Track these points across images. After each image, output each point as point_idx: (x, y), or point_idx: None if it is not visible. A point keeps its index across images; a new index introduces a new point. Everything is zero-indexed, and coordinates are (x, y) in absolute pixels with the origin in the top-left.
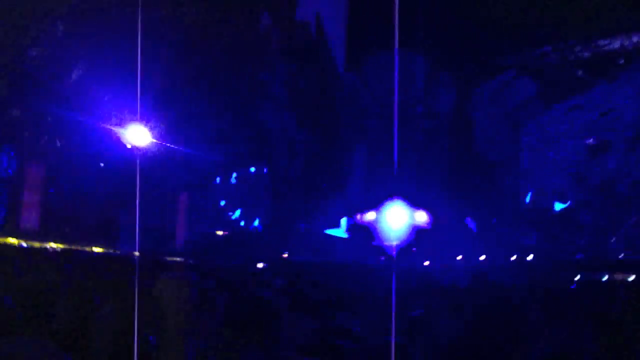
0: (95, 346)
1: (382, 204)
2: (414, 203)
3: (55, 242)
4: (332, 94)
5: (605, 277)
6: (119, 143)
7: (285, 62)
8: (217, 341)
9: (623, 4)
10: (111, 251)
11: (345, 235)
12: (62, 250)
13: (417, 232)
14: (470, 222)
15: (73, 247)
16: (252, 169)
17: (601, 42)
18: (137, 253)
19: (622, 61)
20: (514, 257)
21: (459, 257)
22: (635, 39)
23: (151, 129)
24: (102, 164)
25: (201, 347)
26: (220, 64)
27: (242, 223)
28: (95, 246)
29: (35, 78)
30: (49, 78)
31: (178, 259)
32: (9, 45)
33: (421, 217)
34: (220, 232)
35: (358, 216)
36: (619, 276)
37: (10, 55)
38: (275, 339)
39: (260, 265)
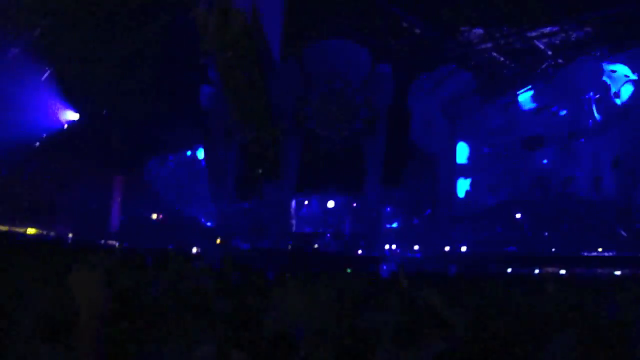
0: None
1: (318, 191)
2: (350, 191)
3: None
4: (269, 81)
5: (537, 271)
6: (54, 125)
7: (220, 49)
8: (143, 325)
9: (559, 5)
10: (44, 233)
11: (279, 220)
12: None
13: (352, 219)
14: (407, 212)
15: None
16: (188, 153)
17: (539, 42)
18: (70, 235)
19: (559, 60)
20: (447, 248)
21: (394, 247)
22: (571, 39)
23: (84, 111)
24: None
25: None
26: (159, 47)
27: (178, 207)
28: (30, 227)
29: None
30: None
31: (112, 242)
32: None
33: (356, 205)
34: (155, 216)
35: (294, 202)
36: (550, 270)
37: None
38: (204, 322)
39: (195, 249)
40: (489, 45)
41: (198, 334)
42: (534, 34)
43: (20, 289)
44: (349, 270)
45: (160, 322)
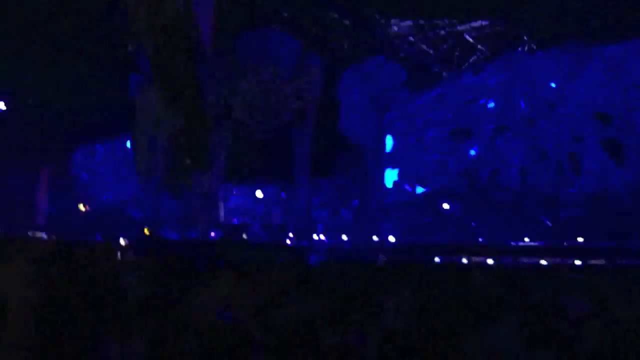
0: None
1: (247, 181)
2: (279, 181)
3: None
4: (198, 70)
5: (464, 260)
6: None
7: (151, 36)
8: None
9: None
10: None
11: (208, 210)
12: None
13: (281, 209)
14: (334, 203)
15: None
16: (116, 143)
17: (468, 34)
18: None
19: (487, 54)
20: (375, 238)
21: (321, 237)
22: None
23: (9, 100)
24: None
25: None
26: (87, 34)
27: (105, 197)
28: None
29: None
30: None
31: (39, 234)
32: None
33: (285, 195)
34: (82, 207)
35: (221, 192)
36: (477, 260)
37: None
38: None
39: (122, 241)
40: (418, 37)
41: (118, 325)
42: (463, 27)
43: None
44: (279, 261)
45: (86, 313)
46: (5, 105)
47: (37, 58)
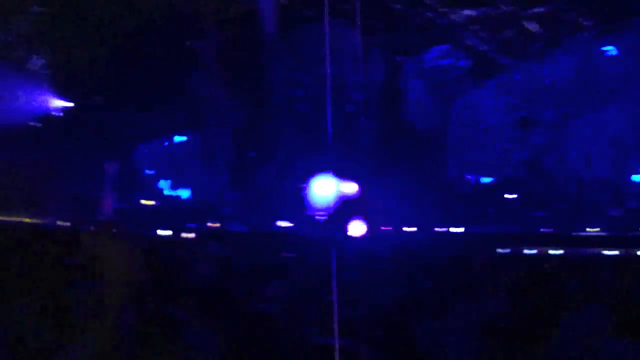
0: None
1: (313, 175)
2: (345, 174)
3: None
4: (264, 64)
5: (531, 251)
6: (44, 112)
7: (218, 31)
8: (147, 309)
9: None
10: (37, 222)
11: (276, 206)
12: None
13: (348, 202)
14: (400, 193)
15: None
16: (183, 138)
17: (531, 21)
18: (62, 222)
19: (551, 40)
20: (439, 229)
21: (389, 228)
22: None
23: (78, 98)
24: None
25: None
26: (152, 30)
27: (172, 192)
28: (23, 217)
29: None
30: None
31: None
32: None
33: (351, 188)
34: (148, 202)
35: (289, 187)
36: (543, 250)
37: None
38: (205, 307)
39: (189, 235)
40: (481, 26)
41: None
42: (526, 13)
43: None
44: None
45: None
46: (71, 103)
47: (101, 57)
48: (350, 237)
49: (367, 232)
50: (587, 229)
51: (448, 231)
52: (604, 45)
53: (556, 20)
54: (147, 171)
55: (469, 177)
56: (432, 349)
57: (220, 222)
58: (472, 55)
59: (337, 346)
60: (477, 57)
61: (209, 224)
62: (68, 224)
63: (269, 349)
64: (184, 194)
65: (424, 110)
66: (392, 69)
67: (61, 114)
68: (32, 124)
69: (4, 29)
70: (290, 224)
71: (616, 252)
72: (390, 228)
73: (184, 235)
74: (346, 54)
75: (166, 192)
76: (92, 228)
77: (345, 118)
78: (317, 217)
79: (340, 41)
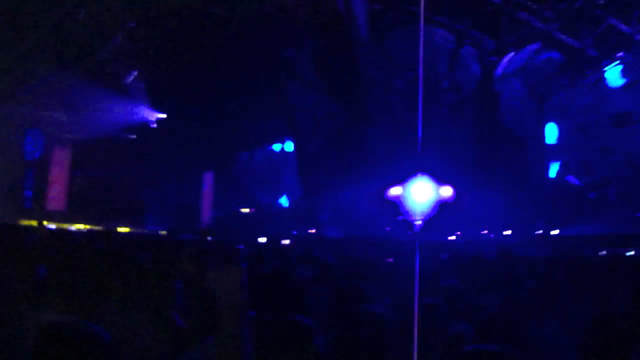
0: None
1: (408, 179)
2: (439, 177)
3: (82, 223)
4: (357, 68)
5: (632, 252)
6: (139, 123)
7: (310, 37)
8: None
9: None
10: (137, 231)
11: (372, 210)
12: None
13: (443, 206)
14: (496, 196)
15: (100, 227)
16: (278, 146)
17: (622, 16)
18: (163, 232)
19: None
20: (539, 232)
21: (485, 231)
22: None
23: (173, 109)
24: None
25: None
26: (245, 40)
27: (268, 200)
28: (122, 226)
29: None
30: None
31: (204, 236)
32: None
33: (446, 192)
34: (246, 209)
35: (384, 191)
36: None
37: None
38: (303, 313)
39: (286, 241)
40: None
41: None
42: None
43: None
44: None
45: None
46: (167, 114)
47: (196, 67)
48: (446, 240)
49: (463, 235)
50: None
51: (548, 233)
52: None
53: None
54: (245, 179)
55: (569, 177)
56: (537, 350)
57: (316, 229)
58: (565, 52)
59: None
60: (570, 54)
61: (309, 231)
62: (166, 232)
63: (379, 350)
64: (281, 201)
65: (519, 109)
66: (486, 69)
67: (159, 126)
68: (132, 135)
69: (101, 45)
70: (387, 229)
71: None
72: (487, 231)
73: (282, 242)
74: (439, 56)
75: (263, 199)
76: (192, 235)
77: (440, 120)
78: (413, 222)
79: (433, 44)
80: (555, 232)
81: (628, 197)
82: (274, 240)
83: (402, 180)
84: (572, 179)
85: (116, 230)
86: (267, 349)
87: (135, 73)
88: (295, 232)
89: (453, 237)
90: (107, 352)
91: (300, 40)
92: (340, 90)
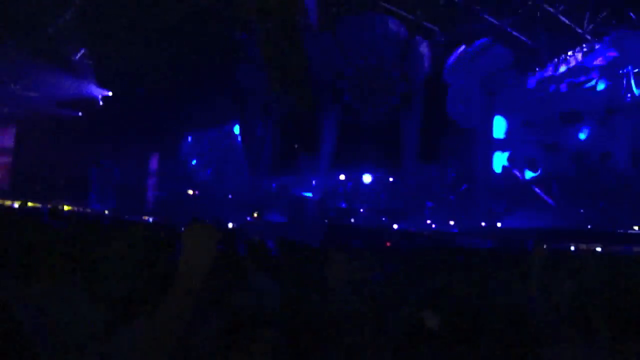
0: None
1: (354, 166)
2: (387, 166)
3: (25, 200)
4: (306, 55)
5: (572, 247)
6: (85, 101)
7: (260, 22)
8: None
9: None
10: (81, 209)
11: (314, 196)
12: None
13: (389, 195)
14: (443, 187)
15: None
16: (224, 129)
17: (576, 16)
18: (106, 211)
19: (595, 33)
20: (483, 224)
21: (430, 222)
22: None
23: (120, 87)
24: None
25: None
26: (196, 22)
27: (213, 182)
28: (65, 204)
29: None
30: None
31: (147, 217)
32: None
33: (393, 180)
34: (190, 192)
35: (329, 177)
36: (584, 246)
37: None
38: (241, 300)
39: (230, 225)
40: (525, 19)
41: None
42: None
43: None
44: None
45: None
46: (114, 93)
47: (144, 46)
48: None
49: (407, 224)
50: (633, 227)
51: (492, 226)
52: None
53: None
54: (191, 161)
55: (514, 171)
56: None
57: (259, 213)
58: (517, 47)
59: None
60: (522, 50)
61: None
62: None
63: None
64: (226, 184)
65: (468, 103)
66: (437, 61)
67: (105, 104)
68: (77, 113)
69: (48, 23)
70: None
71: None
72: (431, 222)
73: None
74: (391, 46)
75: (208, 183)
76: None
77: (389, 110)
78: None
79: (385, 33)
80: (499, 224)
81: (572, 194)
82: (217, 223)
83: (347, 166)
84: (517, 173)
85: (59, 208)
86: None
87: (83, 50)
88: (239, 217)
89: (395, 226)
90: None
91: (251, 25)
92: (289, 76)
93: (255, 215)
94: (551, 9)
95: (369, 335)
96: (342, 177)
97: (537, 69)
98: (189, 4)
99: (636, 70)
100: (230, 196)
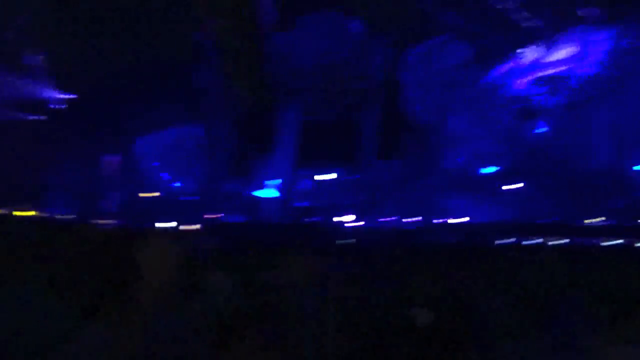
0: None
1: (312, 164)
2: (345, 163)
3: None
4: (263, 54)
5: (532, 242)
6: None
7: (216, 21)
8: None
9: None
10: (41, 213)
11: (272, 196)
12: None
13: (347, 192)
14: (402, 183)
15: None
16: (184, 130)
17: (538, 11)
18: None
19: (556, 29)
20: (440, 220)
21: (388, 219)
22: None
23: (78, 90)
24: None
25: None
26: (152, 23)
27: (175, 184)
28: (23, 209)
29: None
30: None
31: (108, 221)
32: None
33: (351, 178)
34: (151, 194)
35: (287, 177)
36: (546, 240)
37: None
38: (204, 301)
39: (194, 226)
40: (483, 15)
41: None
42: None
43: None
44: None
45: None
46: (72, 94)
47: (102, 48)
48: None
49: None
50: (590, 219)
51: (447, 222)
52: (605, 36)
53: (561, 9)
54: (148, 163)
55: (471, 166)
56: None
57: (222, 214)
58: (475, 43)
59: None
60: (480, 45)
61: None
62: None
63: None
64: (186, 185)
65: (425, 99)
66: (393, 59)
67: (63, 107)
68: (34, 116)
69: (5, 25)
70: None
71: (619, 242)
72: (390, 219)
73: (185, 227)
74: (348, 44)
75: (167, 183)
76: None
77: (346, 108)
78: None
79: (343, 32)
80: (455, 220)
81: (530, 187)
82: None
83: (306, 165)
84: (477, 168)
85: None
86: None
87: (41, 54)
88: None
89: (356, 223)
90: None
91: (207, 24)
92: (246, 76)
93: (217, 215)
94: (511, 4)
95: (332, 333)
96: (301, 175)
97: (495, 64)
98: (146, 4)
99: (595, 64)
100: (191, 197)
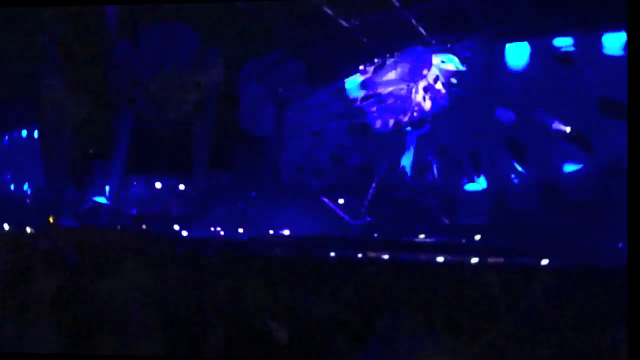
0: None
1: (146, 172)
2: (177, 173)
3: None
4: (103, 60)
5: (360, 255)
6: None
7: (60, 24)
8: None
9: None
10: None
11: (105, 202)
12: None
13: (179, 201)
14: (233, 194)
15: None
16: (24, 133)
17: (375, 29)
18: None
19: (391, 50)
20: (271, 231)
21: (219, 229)
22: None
23: None
24: None
25: None
26: None
27: (12, 186)
28: None
29: None
30: None
31: None
32: None
33: (184, 187)
34: None
35: (121, 183)
36: (372, 254)
37: None
38: (36, 303)
39: (28, 229)
40: (319, 32)
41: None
42: (357, 22)
43: None
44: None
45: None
46: None
47: None
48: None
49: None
50: (419, 236)
51: (279, 234)
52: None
53: (391, 28)
54: None
55: (302, 180)
56: None
57: (55, 218)
58: (309, 59)
59: None
60: (314, 62)
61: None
62: None
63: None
64: (25, 189)
65: (259, 112)
66: (229, 72)
67: None
68: None
69: None
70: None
71: (444, 258)
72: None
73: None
74: (185, 54)
75: (6, 187)
76: None
77: (181, 118)
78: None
79: (180, 42)
80: (287, 232)
81: (356, 204)
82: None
83: (140, 173)
84: (308, 181)
85: None
86: None
87: None
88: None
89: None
90: None
91: (51, 27)
92: (85, 81)
93: (51, 220)
94: (345, 24)
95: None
96: (134, 183)
97: (327, 82)
98: None
99: (425, 85)
100: (28, 201)
